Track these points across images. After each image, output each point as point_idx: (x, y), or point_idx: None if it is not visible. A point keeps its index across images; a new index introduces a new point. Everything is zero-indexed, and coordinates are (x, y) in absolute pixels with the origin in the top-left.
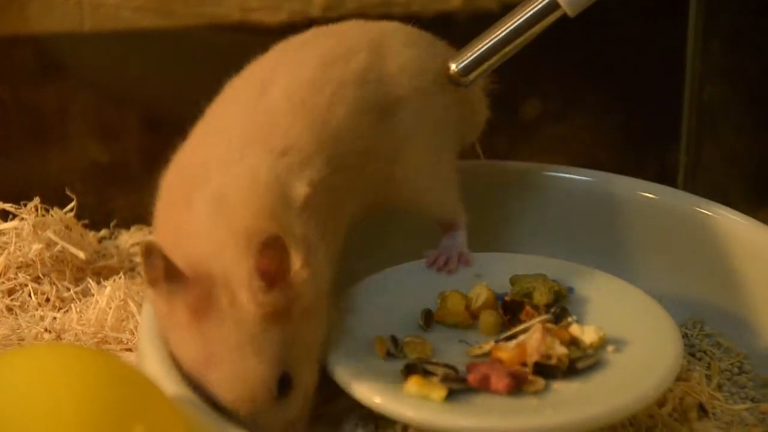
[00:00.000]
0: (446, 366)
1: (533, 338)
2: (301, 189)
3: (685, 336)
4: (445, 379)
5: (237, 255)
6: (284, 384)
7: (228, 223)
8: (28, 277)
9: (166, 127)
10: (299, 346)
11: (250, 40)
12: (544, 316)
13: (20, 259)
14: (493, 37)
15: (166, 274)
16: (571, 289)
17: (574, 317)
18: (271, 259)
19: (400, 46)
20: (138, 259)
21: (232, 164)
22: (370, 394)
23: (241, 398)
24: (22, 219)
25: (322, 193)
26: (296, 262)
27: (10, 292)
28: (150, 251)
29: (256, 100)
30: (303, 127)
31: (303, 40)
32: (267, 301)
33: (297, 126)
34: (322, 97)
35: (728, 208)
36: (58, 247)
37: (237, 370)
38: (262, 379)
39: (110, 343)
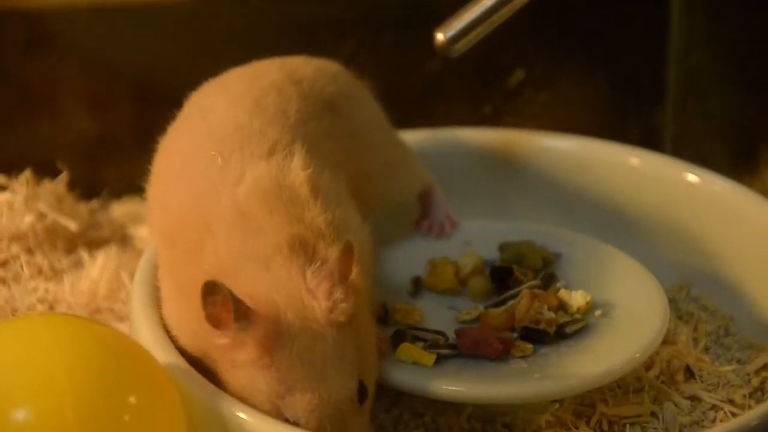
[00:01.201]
0: (435, 332)
1: (521, 304)
2: (300, 174)
3: (672, 300)
4: (434, 345)
5: (292, 272)
6: (362, 391)
7: (263, 244)
8: (20, 249)
9: (157, 98)
10: (363, 348)
11: (240, 12)
12: (533, 282)
13: (12, 230)
14: (480, 5)
15: (235, 312)
16: (559, 255)
17: (562, 283)
18: (347, 263)
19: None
20: (129, 230)
21: (232, 187)
22: None
23: (331, 418)
24: (14, 191)
25: (321, 177)
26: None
27: (3, 263)
28: (213, 289)
29: (204, 122)
30: (270, 124)
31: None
32: (343, 310)
33: (266, 125)
34: (270, 96)
35: (714, 173)
36: (50, 219)
37: (323, 393)
38: (347, 396)
39: (103, 313)
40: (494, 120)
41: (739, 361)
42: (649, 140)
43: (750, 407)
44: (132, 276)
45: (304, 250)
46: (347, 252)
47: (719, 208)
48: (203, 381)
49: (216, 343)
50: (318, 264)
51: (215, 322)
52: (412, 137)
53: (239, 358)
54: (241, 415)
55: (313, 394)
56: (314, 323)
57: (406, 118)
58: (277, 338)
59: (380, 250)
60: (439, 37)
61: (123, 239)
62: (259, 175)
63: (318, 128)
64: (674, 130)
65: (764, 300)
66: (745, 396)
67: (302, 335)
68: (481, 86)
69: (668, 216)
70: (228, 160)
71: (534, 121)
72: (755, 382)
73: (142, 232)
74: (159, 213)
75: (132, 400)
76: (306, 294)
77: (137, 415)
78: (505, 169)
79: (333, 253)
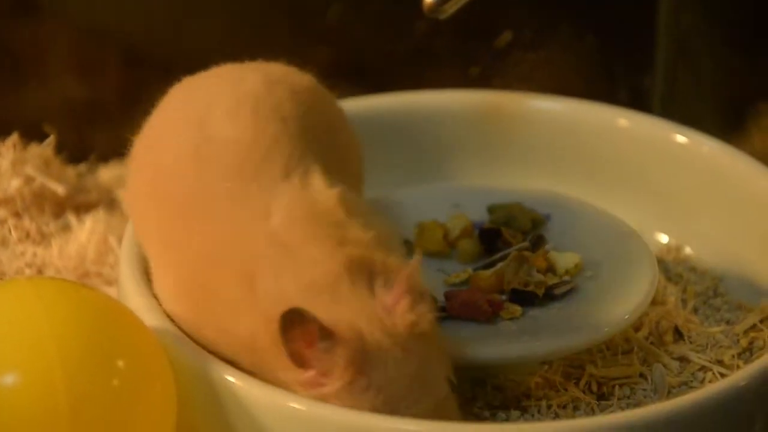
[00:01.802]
0: None
1: (510, 266)
2: (329, 194)
3: (660, 261)
4: None
5: (361, 295)
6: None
7: (320, 274)
8: (7, 213)
9: (146, 63)
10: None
11: None
12: (521, 244)
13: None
14: None
15: (321, 333)
16: (547, 217)
17: (551, 244)
18: (414, 273)
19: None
20: (117, 194)
21: (263, 222)
22: None
23: (439, 416)
24: (1, 155)
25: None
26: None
27: None
28: (293, 319)
29: (201, 141)
30: (274, 139)
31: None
32: (429, 320)
33: (271, 141)
34: (264, 102)
35: (704, 134)
36: (38, 183)
37: (428, 402)
38: (448, 393)
39: (91, 277)
40: (482, 82)
41: (727, 322)
42: (638, 103)
43: (738, 368)
44: (120, 240)
45: (363, 270)
46: (413, 264)
47: (708, 169)
48: (192, 345)
49: (300, 380)
50: (382, 281)
51: (299, 358)
52: (400, 99)
53: (328, 390)
54: (230, 378)
55: (418, 407)
56: (399, 338)
57: (394, 81)
58: (368, 358)
59: None
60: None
61: (111, 203)
62: (289, 205)
63: (311, 129)
64: (663, 92)
65: (752, 261)
66: (733, 357)
67: (393, 351)
68: (469, 48)
69: (657, 177)
70: (246, 192)
71: (522, 84)
72: (744, 342)
73: None
74: (165, 259)
75: (120, 364)
76: (383, 312)
77: (126, 379)
78: (493, 130)
79: (393, 264)
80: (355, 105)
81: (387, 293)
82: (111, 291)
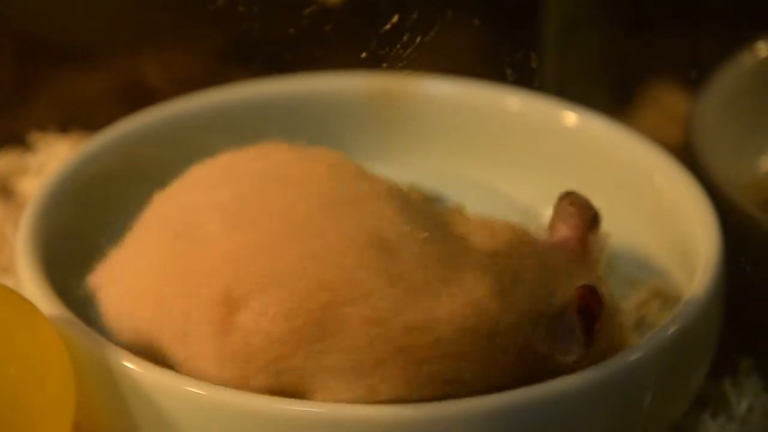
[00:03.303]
0: None
1: None
2: None
3: None
4: None
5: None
6: None
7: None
8: None
9: (40, 52)
10: None
11: None
12: None
13: None
14: None
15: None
16: (443, 199)
17: None
18: None
19: None
20: (11, 182)
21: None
22: None
23: None
24: None
25: None
26: None
27: None
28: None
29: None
30: None
31: None
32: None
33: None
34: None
35: (593, 113)
36: None
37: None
38: None
39: None
40: (373, 64)
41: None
42: (527, 83)
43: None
44: (15, 229)
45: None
46: None
47: (598, 147)
48: (89, 331)
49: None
50: None
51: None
52: (292, 85)
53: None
54: (128, 364)
55: None
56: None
57: (285, 65)
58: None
59: None
60: None
61: (4, 191)
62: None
63: None
64: (552, 71)
65: (642, 237)
66: None
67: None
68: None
69: (548, 155)
70: None
71: (412, 66)
72: (634, 317)
73: (23, 185)
74: None
75: (17, 351)
76: None
77: (23, 367)
78: (385, 113)
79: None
80: (249, 90)
81: None
82: (7, 280)
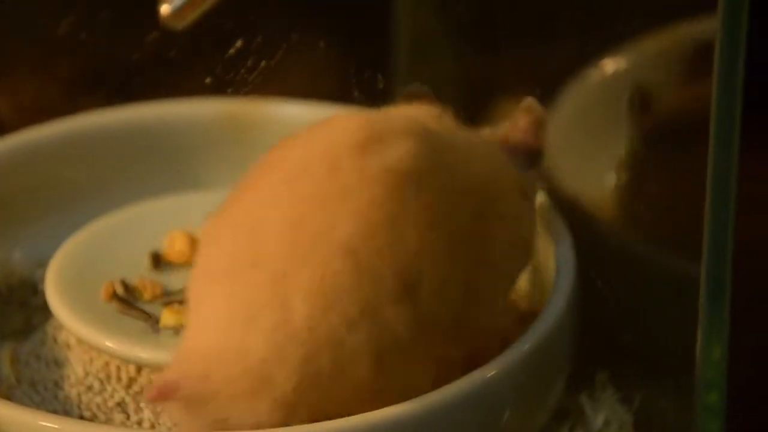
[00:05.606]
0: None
1: None
2: None
3: None
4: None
5: None
6: None
7: None
8: None
9: None
10: None
11: None
12: None
13: None
14: None
15: None
16: None
17: None
18: None
19: None
20: None
21: None
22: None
23: None
24: None
25: None
26: None
27: None
28: None
29: None
30: None
31: None
32: None
33: None
34: None
35: None
36: None
37: None
38: None
39: None
40: (217, 90)
41: None
42: (377, 103)
43: None
44: None
45: None
46: None
47: None
48: None
49: None
50: None
51: None
52: (134, 112)
53: None
54: None
55: None
56: None
57: (131, 92)
58: None
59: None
60: (165, 9)
61: None
62: None
63: None
64: (402, 92)
65: None
66: None
67: None
68: (201, 57)
69: None
70: None
71: (256, 90)
72: None
73: None
74: None
75: None
76: None
77: None
78: (232, 138)
79: None
80: (98, 119)
81: None
82: None
